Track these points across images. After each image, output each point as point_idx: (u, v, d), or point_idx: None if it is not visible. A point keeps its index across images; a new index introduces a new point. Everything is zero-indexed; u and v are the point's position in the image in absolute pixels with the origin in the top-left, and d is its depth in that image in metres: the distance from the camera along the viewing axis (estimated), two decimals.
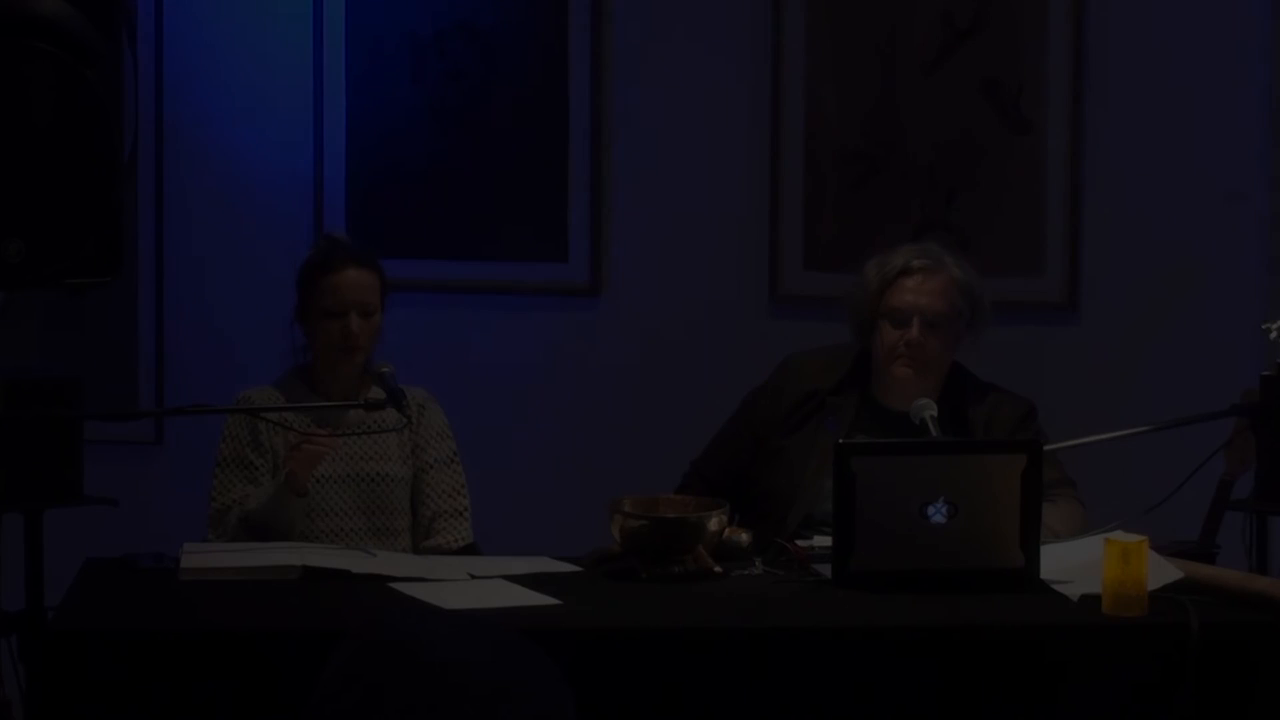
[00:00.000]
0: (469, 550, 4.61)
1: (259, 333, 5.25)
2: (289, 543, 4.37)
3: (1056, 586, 4.02)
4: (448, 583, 4.06)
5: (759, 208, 5.71)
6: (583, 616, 3.85)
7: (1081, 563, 4.04)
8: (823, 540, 4.21)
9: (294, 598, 3.98)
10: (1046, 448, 4.24)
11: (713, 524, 4.19)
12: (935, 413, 4.44)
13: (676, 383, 5.68)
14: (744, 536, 4.33)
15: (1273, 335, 4.27)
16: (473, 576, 4.13)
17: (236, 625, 3.78)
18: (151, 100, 5.58)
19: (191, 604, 3.94)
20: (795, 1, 5.66)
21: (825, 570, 4.09)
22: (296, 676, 3.49)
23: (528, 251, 5.72)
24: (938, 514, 4.02)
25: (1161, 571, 3.94)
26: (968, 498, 4.03)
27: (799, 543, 4.30)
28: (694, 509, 4.25)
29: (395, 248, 5.46)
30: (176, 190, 5.64)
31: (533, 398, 5.72)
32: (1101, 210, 5.67)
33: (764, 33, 5.67)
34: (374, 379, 4.50)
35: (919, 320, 4.56)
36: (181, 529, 4.55)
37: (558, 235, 5.71)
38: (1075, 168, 5.65)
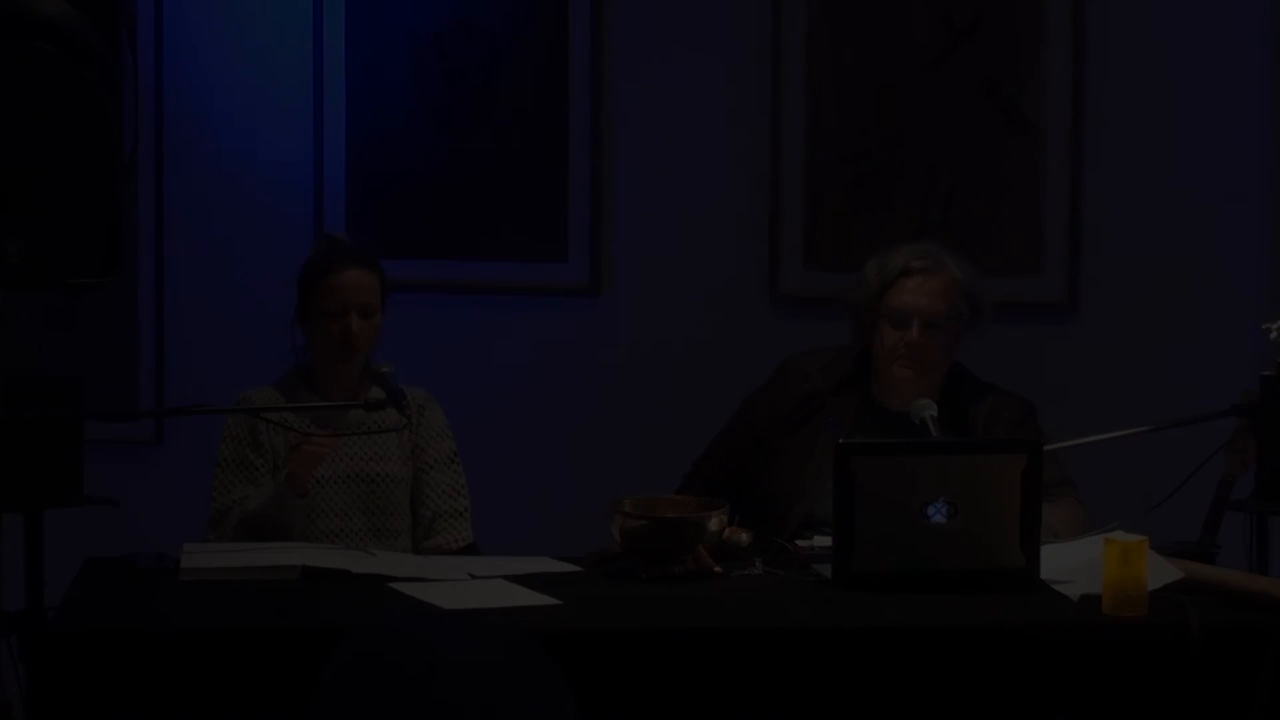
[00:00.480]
0: (469, 550, 4.61)
1: (259, 333, 5.24)
2: (289, 543, 4.37)
3: (1056, 586, 4.02)
4: (448, 583, 4.06)
5: (759, 208, 5.71)
6: (583, 616, 3.85)
7: (1081, 563, 4.04)
8: (823, 540, 4.21)
9: (294, 598, 3.98)
10: (1046, 448, 4.24)
11: (713, 524, 4.19)
12: (935, 413, 4.44)
13: (676, 383, 5.68)
14: (744, 536, 4.33)
15: (1273, 335, 4.27)
16: (473, 576, 4.13)
17: (236, 625, 3.78)
18: (151, 100, 5.58)
19: (191, 604, 3.94)
20: (795, 2, 5.66)
21: (825, 570, 4.09)
22: (296, 676, 3.49)
23: (528, 251, 5.73)
24: (938, 514, 4.02)
25: (1161, 571, 3.94)
26: (968, 498, 4.03)
27: (799, 543, 4.30)
28: (694, 509, 4.25)
29: (395, 248, 5.46)
30: (176, 190, 5.64)
31: (533, 398, 5.72)
32: (1101, 210, 5.67)
33: (764, 33, 5.67)
34: (374, 379, 4.51)
35: (919, 321, 4.56)
36: (181, 529, 4.55)
37: (558, 235, 5.71)
38: (1075, 168, 5.65)
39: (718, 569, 4.18)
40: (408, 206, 5.72)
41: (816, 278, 5.64)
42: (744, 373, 4.88)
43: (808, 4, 5.66)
